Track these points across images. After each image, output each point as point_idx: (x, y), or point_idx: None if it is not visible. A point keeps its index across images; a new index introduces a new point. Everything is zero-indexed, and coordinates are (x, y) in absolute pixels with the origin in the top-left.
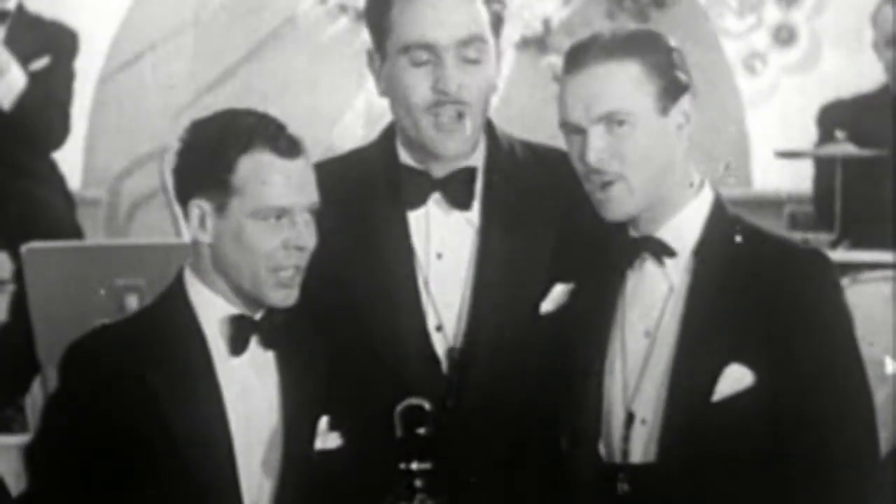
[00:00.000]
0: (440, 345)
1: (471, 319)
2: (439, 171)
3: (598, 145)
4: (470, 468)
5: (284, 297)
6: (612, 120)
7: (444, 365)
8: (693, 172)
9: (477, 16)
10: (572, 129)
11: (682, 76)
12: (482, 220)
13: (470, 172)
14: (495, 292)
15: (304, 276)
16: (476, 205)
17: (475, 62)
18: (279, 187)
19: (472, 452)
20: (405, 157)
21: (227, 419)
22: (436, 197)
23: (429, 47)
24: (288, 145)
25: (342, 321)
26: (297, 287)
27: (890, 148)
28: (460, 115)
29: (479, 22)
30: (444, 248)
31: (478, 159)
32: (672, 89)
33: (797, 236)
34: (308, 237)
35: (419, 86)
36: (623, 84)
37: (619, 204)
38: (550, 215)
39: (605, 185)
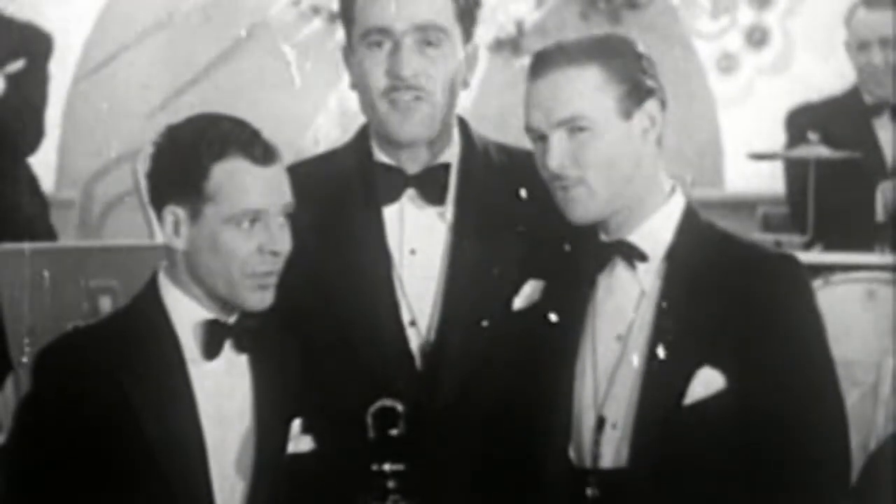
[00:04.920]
0: (414, 340)
1: (444, 315)
2: (413, 167)
3: (559, 151)
4: (442, 468)
5: (260, 299)
6: (573, 125)
7: (418, 360)
8: (665, 178)
9: (439, 5)
10: (535, 135)
11: (647, 80)
12: (455, 216)
13: (444, 169)
14: (468, 288)
15: (280, 272)
16: (450, 201)
17: (434, 48)
18: (254, 193)
19: (445, 451)
20: (379, 154)
21: (199, 422)
22: (410, 193)
23: (385, 31)
24: (262, 152)
25: (317, 316)
26: (273, 290)
27: (861, 150)
28: (418, 100)
29: (439, 9)
30: (418, 244)
31: (452, 156)
32: (635, 93)
33: (770, 238)
34: (283, 241)
35: (376, 70)
36: (582, 89)
37: (581, 206)
38: (523, 217)
39: (566, 188)
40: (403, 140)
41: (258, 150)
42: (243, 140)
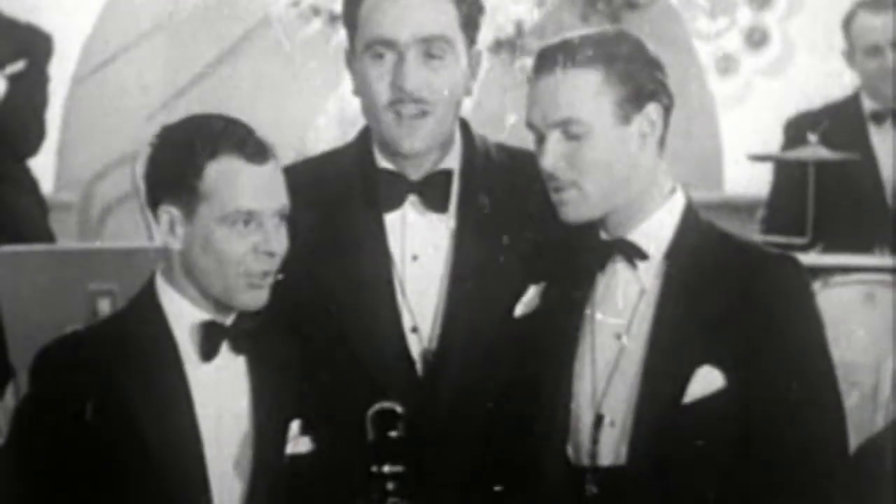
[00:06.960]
0: (415, 346)
1: (446, 321)
2: (415, 173)
3: (553, 151)
4: (442, 470)
5: (254, 298)
6: (568, 128)
7: (419, 366)
8: (665, 178)
9: (443, 15)
10: (535, 132)
11: (649, 83)
12: (458, 222)
13: (446, 175)
14: (470, 294)
15: (280, 277)
16: (452, 207)
17: (438, 61)
18: (247, 192)
19: (445, 455)
20: (381, 159)
21: (197, 424)
22: (412, 199)
23: (390, 44)
24: (256, 150)
25: (317, 322)
26: (267, 289)
27: (861, 152)
28: (423, 114)
29: (444, 21)
30: (420, 250)
31: (454, 162)
32: (636, 97)
33: (769, 240)
34: (278, 242)
35: (380, 83)
36: (581, 92)
37: (573, 208)
38: (525, 218)
39: (559, 189)
40: (407, 153)
41: (251, 147)
42: (237, 138)
